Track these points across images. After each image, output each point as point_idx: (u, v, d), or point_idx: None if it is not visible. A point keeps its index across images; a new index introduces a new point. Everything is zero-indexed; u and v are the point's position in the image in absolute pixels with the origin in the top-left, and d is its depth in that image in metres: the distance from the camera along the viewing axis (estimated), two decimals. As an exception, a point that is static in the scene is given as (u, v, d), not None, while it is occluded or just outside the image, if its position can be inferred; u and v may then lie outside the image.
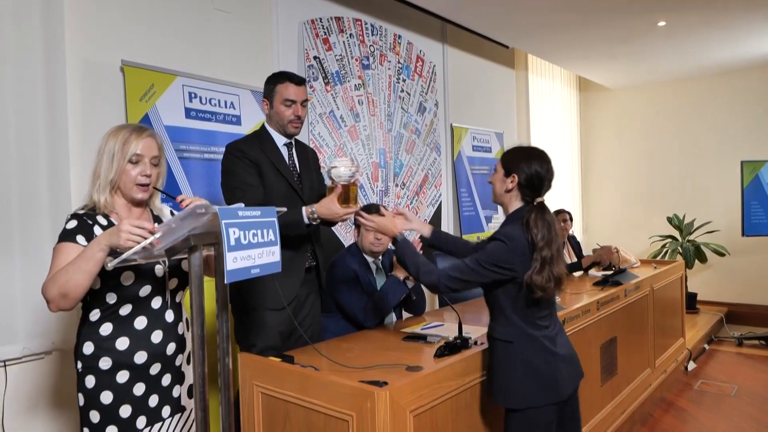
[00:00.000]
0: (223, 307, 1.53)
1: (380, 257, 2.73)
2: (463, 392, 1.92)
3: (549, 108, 6.65)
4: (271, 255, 1.52)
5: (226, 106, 3.14)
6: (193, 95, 2.97)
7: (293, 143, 2.39)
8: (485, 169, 5.37)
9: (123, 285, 1.64)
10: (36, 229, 2.47)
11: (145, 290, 1.67)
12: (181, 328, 1.77)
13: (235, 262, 1.36)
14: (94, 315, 1.65)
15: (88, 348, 1.63)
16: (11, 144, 2.40)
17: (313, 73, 3.67)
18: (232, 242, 1.36)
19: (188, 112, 2.94)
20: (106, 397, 1.63)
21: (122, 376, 1.64)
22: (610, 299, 3.25)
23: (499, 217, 5.48)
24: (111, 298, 1.64)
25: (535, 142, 6.29)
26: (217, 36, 3.17)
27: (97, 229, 1.64)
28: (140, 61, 2.74)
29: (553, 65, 6.50)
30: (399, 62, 4.40)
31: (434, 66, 4.79)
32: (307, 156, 2.45)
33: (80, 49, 2.58)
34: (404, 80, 4.44)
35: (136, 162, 1.67)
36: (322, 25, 3.76)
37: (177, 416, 1.75)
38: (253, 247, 1.44)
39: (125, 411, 1.64)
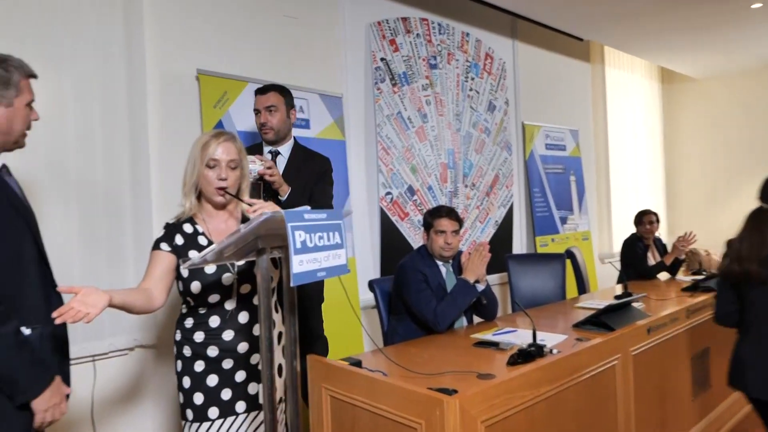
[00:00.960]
0: (290, 310, 1.53)
1: (450, 260, 2.67)
2: (538, 403, 1.82)
3: (628, 102, 6.30)
4: (337, 258, 1.50)
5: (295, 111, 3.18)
6: (263, 101, 3.03)
7: (280, 152, 2.50)
8: (559, 168, 5.16)
9: (194, 293, 1.73)
10: (120, 232, 2.61)
11: (214, 298, 1.74)
12: (257, 329, 1.80)
13: (301, 265, 1.36)
14: (183, 308, 1.80)
15: (178, 335, 1.79)
16: (98, 152, 2.55)
17: (380, 75, 3.67)
18: (298, 245, 1.35)
19: (259, 118, 3.00)
20: (186, 382, 1.75)
21: (199, 366, 1.75)
22: (701, 306, 3.01)
23: (575, 218, 5.24)
24: (190, 299, 1.76)
25: (613, 139, 5.98)
26: (286, 42, 3.23)
27: (178, 238, 1.75)
28: (214, 69, 2.84)
29: (632, 56, 6.15)
30: (467, 60, 4.31)
31: (504, 63, 4.66)
32: (300, 163, 2.49)
33: (158, 62, 2.71)
34: (473, 78, 4.35)
35: (213, 166, 1.73)
36: (389, 27, 3.75)
37: (254, 414, 1.78)
38: (319, 250, 1.43)
39: (198, 398, 1.74)
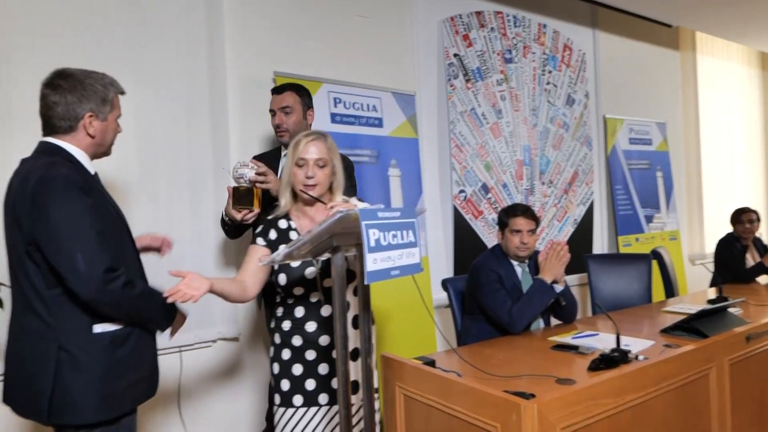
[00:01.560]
0: (364, 308, 1.54)
1: (526, 260, 2.59)
2: (622, 412, 1.73)
3: (723, 92, 5.85)
4: (411, 257, 1.50)
5: (368, 110, 3.22)
6: (337, 100, 3.09)
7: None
8: (644, 163, 4.89)
9: (281, 284, 1.82)
10: (204, 230, 2.74)
11: (299, 290, 1.83)
12: None
13: (375, 263, 1.36)
14: (278, 297, 1.90)
15: (272, 323, 1.90)
16: (183, 154, 2.70)
17: (453, 71, 3.62)
18: (372, 243, 1.36)
19: (333, 117, 3.06)
20: (275, 368, 1.86)
21: (286, 354, 1.84)
22: (809, 313, 2.74)
23: (662, 217, 4.94)
24: (280, 290, 1.87)
25: (706, 132, 5.58)
26: (359, 41, 3.26)
27: (272, 233, 1.86)
28: (289, 71, 2.92)
29: (728, 42, 5.70)
30: (544, 53, 4.17)
31: (584, 54, 4.46)
32: None
33: (237, 66, 2.82)
34: (550, 72, 4.20)
35: (302, 165, 1.82)
36: (462, 22, 3.70)
37: (336, 407, 1.83)
38: (392, 249, 1.43)
39: (285, 385, 1.84)
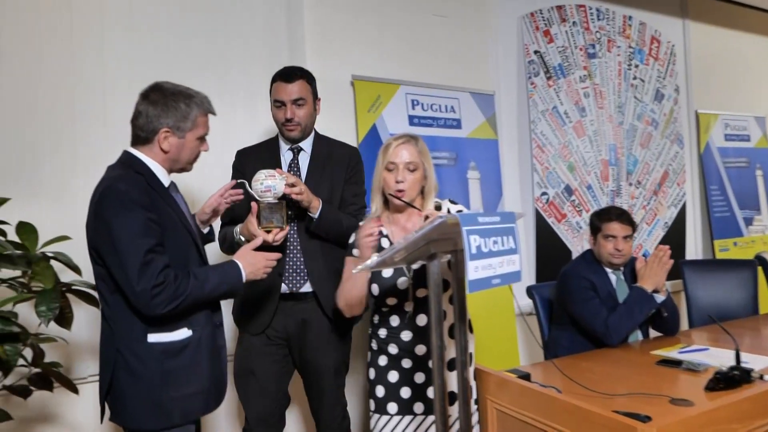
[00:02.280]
0: (460, 319, 1.46)
1: (621, 267, 2.42)
2: (749, 439, 1.55)
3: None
4: (512, 264, 1.40)
5: (446, 111, 3.14)
6: (415, 102, 3.03)
7: (302, 148, 2.11)
8: (743, 161, 4.51)
9: (373, 295, 1.79)
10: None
11: (392, 301, 1.78)
12: None
13: (476, 271, 1.28)
14: (375, 305, 1.87)
15: (370, 329, 1.88)
16: (265, 159, 2.72)
17: (533, 69, 3.48)
18: (474, 250, 1.28)
19: (411, 119, 3.00)
20: (371, 373, 1.83)
21: (382, 360, 1.81)
22: None
23: (763, 219, 4.54)
24: (373, 300, 1.84)
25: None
26: (436, 41, 3.19)
27: None
28: (367, 74, 2.89)
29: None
30: (630, 47, 3.93)
31: (673, 46, 4.18)
32: (325, 159, 2.10)
33: (316, 71, 2.79)
34: (637, 66, 3.96)
35: (392, 169, 1.76)
36: (542, 17, 3.55)
37: (432, 417, 1.77)
38: (493, 256, 1.34)
39: (379, 391, 1.80)
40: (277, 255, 1.73)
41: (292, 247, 2.02)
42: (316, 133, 2.16)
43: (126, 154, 1.59)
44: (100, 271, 1.51)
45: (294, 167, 2.09)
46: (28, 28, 2.26)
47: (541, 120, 3.48)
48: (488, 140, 3.27)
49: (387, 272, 1.74)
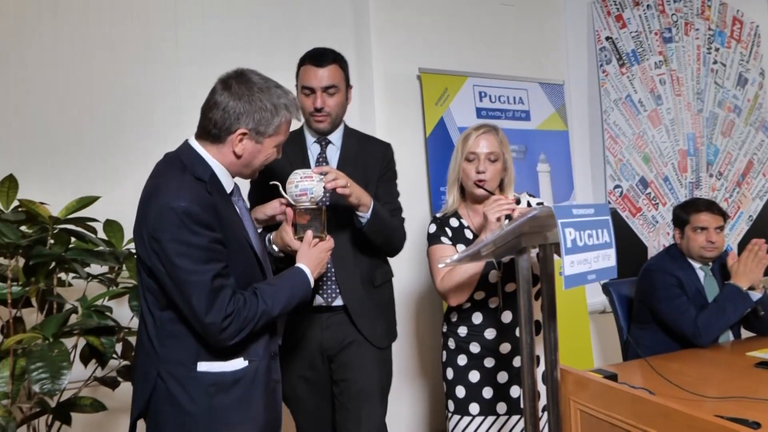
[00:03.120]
0: (550, 316, 1.41)
1: (710, 262, 2.29)
2: None
3: None
4: (607, 259, 1.34)
5: (515, 102, 3.06)
6: (483, 94, 2.97)
7: (330, 141, 1.85)
8: (836, 149, 4.18)
9: None
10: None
11: (479, 295, 1.74)
12: (517, 331, 1.74)
13: (572, 266, 1.23)
14: None
15: (444, 327, 1.83)
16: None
17: (605, 56, 3.34)
18: (569, 244, 1.22)
19: (479, 112, 2.95)
20: (449, 373, 1.78)
21: (462, 360, 1.76)
22: None
23: None
24: None
25: None
26: (504, 31, 3.12)
27: (447, 231, 1.79)
28: (434, 67, 2.85)
29: None
30: (710, 29, 3.72)
31: (757, 27, 3.92)
32: (355, 153, 1.85)
33: (383, 64, 2.80)
34: (717, 49, 3.73)
35: (472, 159, 1.72)
36: (614, 1, 3.40)
37: (515, 417, 1.73)
38: (589, 250, 1.28)
39: (460, 392, 1.76)
40: (331, 244, 1.54)
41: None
42: (345, 125, 1.91)
43: (188, 150, 1.34)
44: (149, 283, 1.29)
45: (322, 162, 1.83)
46: (106, 28, 2.36)
47: (613, 109, 3.34)
48: (558, 132, 3.17)
49: None
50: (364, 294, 1.76)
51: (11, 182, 1.69)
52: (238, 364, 1.31)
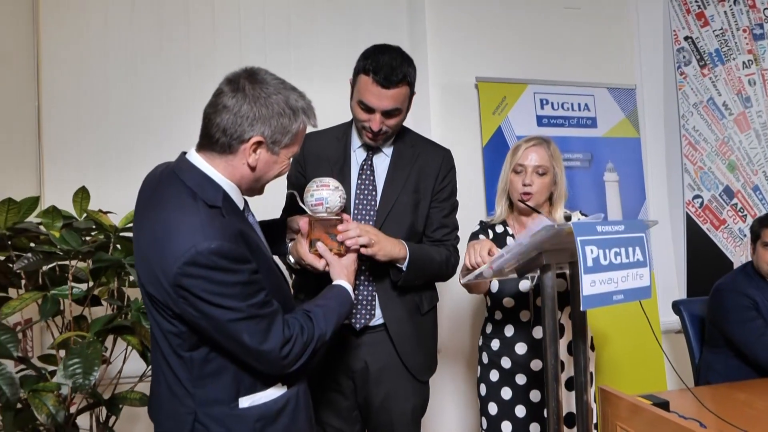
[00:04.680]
0: (579, 336, 1.35)
1: (790, 282, 2.07)
2: None
3: None
4: (639, 278, 1.26)
5: (579, 109, 2.94)
6: (544, 102, 2.88)
7: (380, 149, 1.66)
8: None
9: (491, 290, 1.72)
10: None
11: (509, 302, 1.70)
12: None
13: (593, 286, 1.17)
14: (487, 311, 1.81)
15: (480, 340, 1.81)
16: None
17: (684, 57, 3.12)
18: (590, 263, 1.17)
19: (540, 120, 2.86)
20: (482, 389, 1.76)
21: (494, 375, 1.73)
22: None
23: None
24: (488, 300, 1.77)
25: None
26: (568, 36, 3.00)
27: (489, 233, 1.79)
28: (492, 75, 2.81)
29: None
30: (811, 22, 3.36)
31: None
32: (407, 166, 1.64)
33: (439, 74, 2.80)
34: (820, 45, 3.36)
35: (519, 171, 1.71)
36: (696, -2, 3.17)
37: None
38: (615, 269, 1.22)
39: (492, 409, 1.72)
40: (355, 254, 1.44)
41: (357, 275, 1.55)
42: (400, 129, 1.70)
43: (190, 168, 1.15)
44: (171, 328, 1.14)
45: (367, 170, 1.64)
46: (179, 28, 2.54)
47: (693, 114, 3.11)
48: (628, 139, 3.00)
49: None
50: (408, 320, 1.62)
51: (83, 193, 1.87)
52: (278, 390, 1.22)
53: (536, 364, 1.67)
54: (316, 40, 2.71)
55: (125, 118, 2.46)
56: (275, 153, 1.17)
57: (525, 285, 1.67)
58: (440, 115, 2.79)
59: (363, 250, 1.43)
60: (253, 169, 1.16)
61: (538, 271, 1.57)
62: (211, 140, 1.14)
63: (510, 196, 1.77)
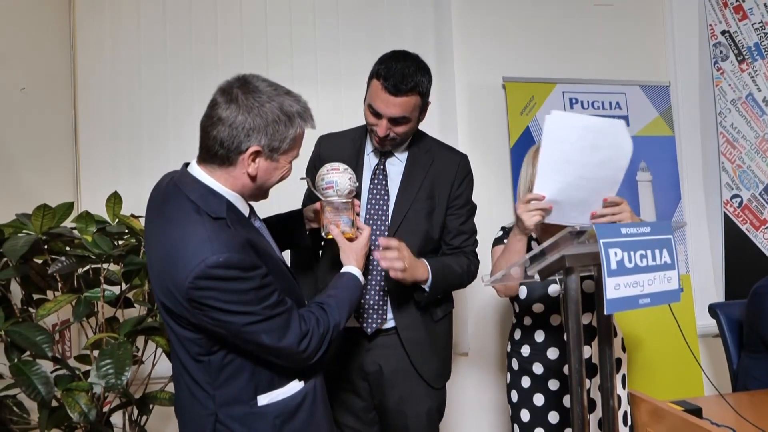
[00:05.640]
0: (605, 339, 1.32)
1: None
2: None
3: None
4: (666, 281, 1.23)
5: (611, 107, 2.88)
6: (573, 101, 2.83)
7: (393, 152, 1.66)
8: None
9: (519, 297, 1.69)
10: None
11: (538, 307, 1.68)
12: (586, 351, 1.68)
13: (617, 289, 1.15)
14: (514, 318, 1.79)
15: (509, 346, 1.79)
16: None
17: (721, 52, 3.02)
18: (614, 266, 1.15)
19: (569, 120, 2.81)
20: (514, 396, 1.73)
21: (525, 381, 1.71)
22: None
23: None
24: (515, 307, 1.75)
25: None
26: (598, 32, 2.95)
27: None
28: (520, 75, 2.78)
29: None
30: None
31: None
32: (422, 171, 1.63)
33: (466, 74, 2.79)
34: None
35: None
36: (733, -9, 3.07)
37: None
38: (641, 272, 1.19)
39: (524, 416, 1.70)
40: (367, 233, 1.45)
41: (368, 279, 1.59)
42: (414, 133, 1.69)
43: (192, 182, 1.17)
44: (188, 335, 1.17)
45: (379, 174, 1.64)
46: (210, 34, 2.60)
47: (731, 111, 3.01)
48: (662, 137, 2.92)
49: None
50: (421, 326, 1.62)
51: (116, 198, 1.93)
52: (296, 386, 1.25)
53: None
54: (341, 42, 2.73)
55: (157, 125, 2.53)
56: (274, 160, 1.19)
57: (554, 289, 1.64)
58: (467, 116, 2.78)
59: (393, 274, 1.45)
60: (253, 178, 1.18)
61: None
62: (210, 152, 1.16)
63: None
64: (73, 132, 2.44)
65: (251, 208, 1.29)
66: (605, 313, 1.13)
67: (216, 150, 1.15)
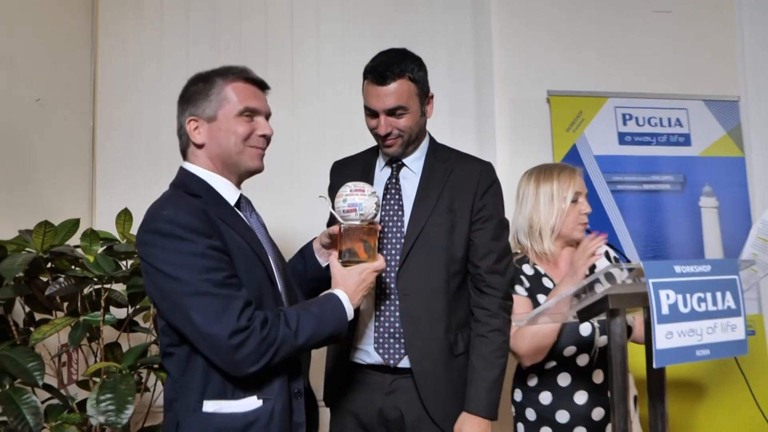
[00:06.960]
0: (656, 396, 1.17)
1: None
2: None
3: None
4: (730, 330, 1.08)
5: (670, 125, 2.71)
6: (627, 117, 2.68)
7: (404, 164, 1.56)
8: None
9: None
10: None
11: (570, 350, 1.56)
12: (598, 413, 1.56)
13: (669, 338, 1.01)
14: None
15: (518, 395, 1.65)
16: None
17: (799, 63, 2.81)
18: (665, 310, 1.01)
19: (622, 137, 2.66)
20: None
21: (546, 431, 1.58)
22: None
23: None
24: None
25: None
26: (656, 42, 2.79)
27: (524, 281, 1.65)
28: (566, 89, 2.65)
29: None
30: None
31: None
32: (440, 182, 1.52)
33: (506, 87, 2.68)
34: None
35: (576, 200, 1.64)
36: (813, -5, 2.86)
37: None
38: (699, 318, 1.05)
39: None
40: (378, 264, 1.33)
41: (385, 304, 1.48)
42: (431, 139, 1.61)
43: (180, 172, 1.29)
44: (161, 324, 1.21)
45: (392, 188, 1.55)
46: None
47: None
48: (730, 158, 2.73)
49: None
50: (438, 361, 1.46)
51: (126, 215, 1.91)
52: (251, 403, 1.16)
53: (598, 413, 1.52)
54: (375, 51, 2.66)
55: (176, 140, 2.51)
56: (214, 119, 1.24)
57: (586, 328, 1.52)
58: (507, 132, 2.66)
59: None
60: (200, 145, 1.25)
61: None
62: (181, 148, 1.31)
63: (562, 230, 1.64)
64: (90, 145, 2.46)
65: (247, 200, 1.34)
66: (654, 366, 0.99)
67: (180, 143, 1.30)
